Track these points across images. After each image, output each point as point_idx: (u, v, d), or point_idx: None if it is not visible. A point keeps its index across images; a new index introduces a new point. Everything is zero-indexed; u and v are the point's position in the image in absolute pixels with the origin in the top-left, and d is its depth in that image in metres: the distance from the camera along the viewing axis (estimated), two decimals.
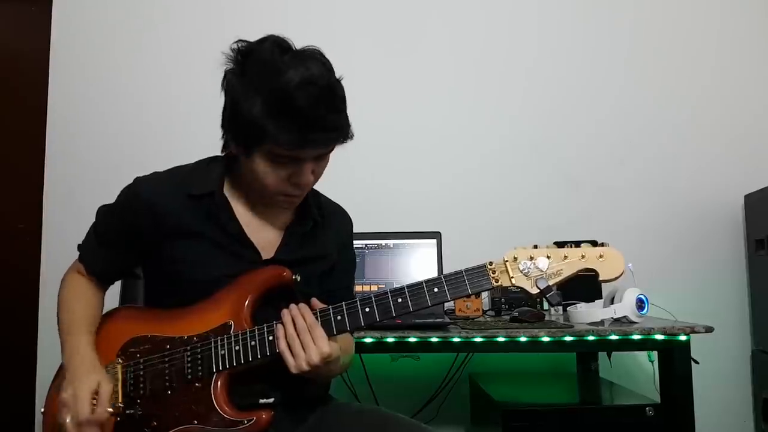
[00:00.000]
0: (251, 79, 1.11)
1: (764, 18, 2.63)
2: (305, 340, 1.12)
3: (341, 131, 1.15)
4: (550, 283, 1.13)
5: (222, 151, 1.27)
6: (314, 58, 1.14)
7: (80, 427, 1.13)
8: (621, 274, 1.13)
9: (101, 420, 1.14)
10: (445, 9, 2.63)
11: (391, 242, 2.16)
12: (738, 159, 2.56)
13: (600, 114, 2.59)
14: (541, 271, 1.13)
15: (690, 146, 2.57)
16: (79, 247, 1.34)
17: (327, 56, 1.17)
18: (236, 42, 1.16)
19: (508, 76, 2.60)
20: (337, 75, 1.16)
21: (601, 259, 1.13)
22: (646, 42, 2.62)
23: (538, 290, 1.13)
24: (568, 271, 1.13)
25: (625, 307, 1.76)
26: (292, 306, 1.16)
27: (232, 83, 1.15)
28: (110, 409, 1.15)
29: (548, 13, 2.63)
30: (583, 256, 1.13)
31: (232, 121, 1.16)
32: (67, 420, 1.14)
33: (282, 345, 1.13)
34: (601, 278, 1.13)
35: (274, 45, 1.13)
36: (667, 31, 2.63)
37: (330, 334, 1.15)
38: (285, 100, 1.08)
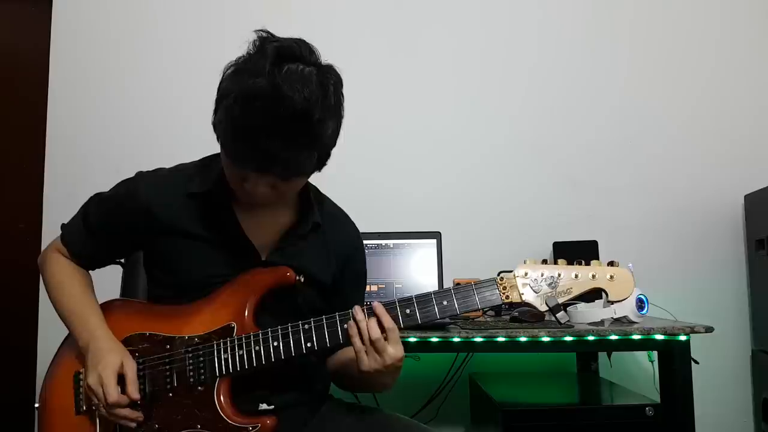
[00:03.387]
0: (239, 71, 1.06)
1: (764, 18, 2.63)
2: (379, 345, 1.11)
3: (282, 165, 1.06)
4: (560, 301, 1.12)
5: None
6: (318, 83, 1.04)
7: (111, 410, 1.13)
8: (630, 296, 1.13)
9: (133, 399, 1.14)
10: (446, 10, 2.63)
11: (391, 242, 2.16)
12: (738, 159, 2.56)
13: (600, 114, 2.59)
14: (551, 288, 1.13)
15: (690, 146, 2.57)
16: (63, 227, 1.33)
17: (333, 64, 1.10)
18: (260, 30, 1.10)
19: (509, 77, 2.60)
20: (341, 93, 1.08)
21: (610, 280, 1.13)
22: (646, 42, 2.62)
23: (548, 308, 1.12)
24: (577, 290, 1.13)
25: (625, 307, 1.76)
26: (376, 304, 1.14)
27: (230, 66, 1.10)
28: (137, 395, 1.15)
29: (549, 14, 2.63)
30: (593, 276, 1.13)
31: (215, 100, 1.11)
32: (100, 406, 1.14)
33: (358, 344, 1.11)
34: (609, 299, 1.13)
35: (277, 49, 1.05)
36: (667, 31, 2.63)
37: (335, 342, 1.15)
38: (235, 103, 1.02)
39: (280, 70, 1.02)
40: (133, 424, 1.15)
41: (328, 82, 1.07)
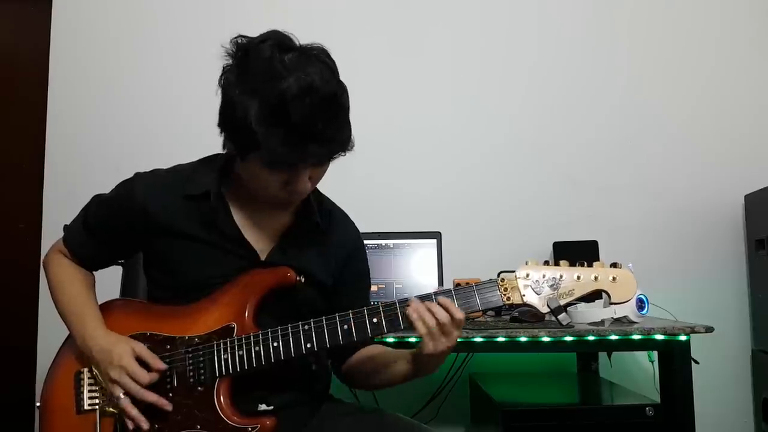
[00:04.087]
0: (247, 81, 1.07)
1: (764, 18, 2.62)
2: (446, 328, 1.10)
3: (339, 144, 1.11)
4: (562, 303, 1.11)
5: (223, 148, 1.26)
6: (318, 60, 1.09)
7: (143, 394, 1.13)
8: (632, 297, 1.12)
9: (161, 369, 1.15)
10: (446, 9, 2.63)
11: (391, 242, 2.16)
12: (738, 159, 2.55)
13: (600, 114, 2.59)
14: (553, 290, 1.12)
15: (690, 146, 2.57)
16: (65, 228, 1.33)
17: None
18: (236, 37, 1.12)
19: (509, 77, 2.60)
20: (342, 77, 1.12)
21: (613, 282, 1.12)
22: (646, 42, 2.62)
23: (549, 310, 1.12)
24: (579, 292, 1.12)
25: (625, 307, 1.76)
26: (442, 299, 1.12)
27: (228, 82, 1.11)
28: (163, 365, 1.15)
29: (548, 14, 2.63)
30: (596, 278, 1.12)
31: (227, 123, 1.13)
32: (121, 396, 1.14)
33: (422, 328, 1.10)
34: (612, 301, 1.12)
35: (274, 46, 1.08)
36: (667, 30, 2.63)
37: (335, 344, 1.15)
38: (280, 111, 1.03)
39: (288, 65, 1.05)
40: (168, 407, 1.14)
41: (324, 58, 1.11)
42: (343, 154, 1.14)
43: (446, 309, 1.11)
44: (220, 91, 1.13)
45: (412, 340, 1.69)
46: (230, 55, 1.11)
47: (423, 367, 1.18)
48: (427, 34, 2.62)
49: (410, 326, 1.12)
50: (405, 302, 1.14)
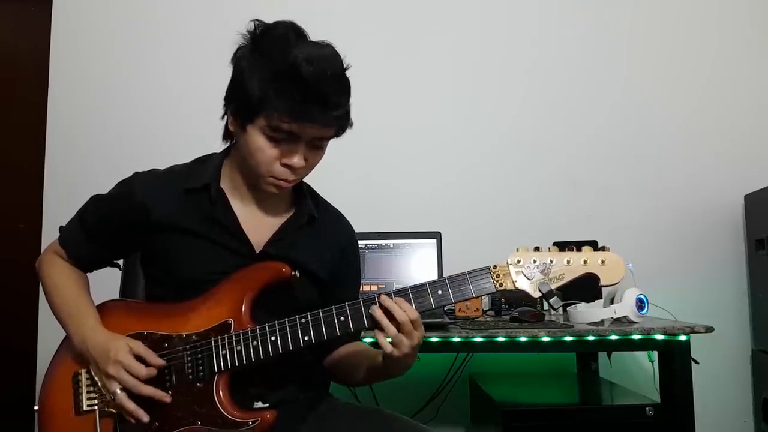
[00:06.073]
0: (261, 52, 1.14)
1: (764, 18, 2.63)
2: (413, 326, 1.12)
3: (341, 112, 1.15)
4: (552, 287, 1.13)
5: (223, 138, 1.28)
6: (328, 45, 1.17)
7: (140, 388, 1.13)
8: (621, 279, 1.14)
9: (159, 365, 1.15)
10: (445, 9, 2.63)
11: (391, 242, 2.16)
12: (738, 159, 2.56)
13: (600, 114, 2.59)
14: (544, 274, 1.13)
15: (690, 146, 2.57)
16: (61, 229, 1.33)
17: None
18: (253, 21, 1.19)
19: (508, 77, 2.60)
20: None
21: (602, 265, 1.13)
22: (646, 42, 2.62)
23: (540, 294, 1.13)
24: (569, 276, 1.14)
25: (625, 307, 1.76)
26: (385, 297, 1.14)
27: (241, 56, 1.17)
28: (160, 361, 1.15)
29: (548, 13, 2.63)
30: (585, 261, 1.14)
31: (235, 91, 1.17)
32: (118, 391, 1.14)
33: (392, 330, 1.12)
34: (602, 283, 1.14)
35: (289, 27, 1.16)
36: (667, 30, 2.63)
37: (333, 335, 1.15)
38: (290, 69, 1.09)
39: (300, 41, 1.15)
40: (167, 399, 1.15)
41: (334, 49, 1.18)
42: (340, 129, 1.18)
43: (403, 309, 1.12)
44: (231, 71, 1.19)
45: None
46: (246, 37, 1.18)
47: (390, 369, 1.19)
48: (427, 34, 2.62)
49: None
50: (401, 292, 1.15)
